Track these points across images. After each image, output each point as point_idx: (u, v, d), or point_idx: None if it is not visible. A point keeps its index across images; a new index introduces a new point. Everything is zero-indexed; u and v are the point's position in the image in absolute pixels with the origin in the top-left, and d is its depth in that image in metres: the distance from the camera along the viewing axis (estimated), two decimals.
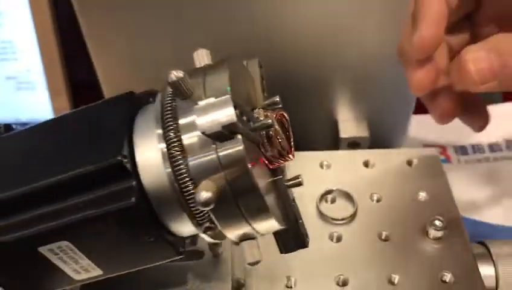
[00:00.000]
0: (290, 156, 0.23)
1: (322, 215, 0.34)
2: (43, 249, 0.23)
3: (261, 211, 0.21)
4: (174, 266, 0.30)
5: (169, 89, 0.22)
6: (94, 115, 0.25)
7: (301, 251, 0.25)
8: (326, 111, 0.44)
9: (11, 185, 0.23)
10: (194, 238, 0.29)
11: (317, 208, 0.35)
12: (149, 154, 0.22)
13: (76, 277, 0.25)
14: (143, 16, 0.36)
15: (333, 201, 0.36)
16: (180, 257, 0.24)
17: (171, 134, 0.21)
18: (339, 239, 0.33)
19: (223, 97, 0.19)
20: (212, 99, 0.19)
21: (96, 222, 0.22)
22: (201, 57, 0.25)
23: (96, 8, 0.36)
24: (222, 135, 0.19)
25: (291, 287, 0.31)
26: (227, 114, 0.19)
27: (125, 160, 0.21)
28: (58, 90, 0.53)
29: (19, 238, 0.23)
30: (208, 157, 0.20)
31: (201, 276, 0.30)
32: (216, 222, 0.22)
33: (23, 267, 0.25)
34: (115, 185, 0.22)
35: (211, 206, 0.19)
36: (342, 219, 0.34)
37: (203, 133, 0.19)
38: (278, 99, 0.25)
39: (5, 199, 0.23)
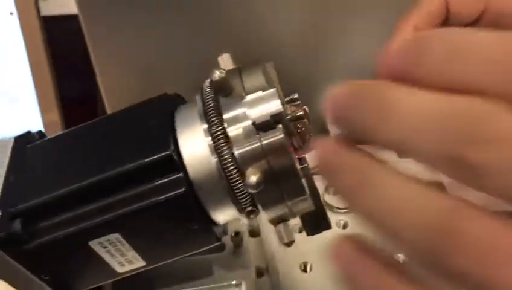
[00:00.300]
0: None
1: (327, 204, 0.37)
2: (93, 243, 0.25)
3: (299, 193, 0.24)
4: (199, 259, 0.32)
5: (208, 89, 0.25)
6: (138, 115, 0.27)
7: (312, 239, 0.28)
8: (315, 113, 0.47)
9: (64, 183, 0.25)
10: (224, 228, 0.31)
11: (323, 198, 0.37)
12: (195, 148, 0.24)
13: (120, 270, 0.27)
14: (149, 20, 0.38)
15: (336, 192, 0.38)
16: (219, 243, 0.27)
17: (216, 128, 0.23)
18: (345, 226, 0.36)
19: (270, 91, 0.22)
20: (260, 93, 0.22)
21: (147, 212, 0.24)
22: (226, 61, 0.27)
23: (101, 13, 0.37)
24: (268, 124, 0.22)
25: (307, 271, 0.33)
26: (275, 105, 0.21)
27: (173, 153, 0.24)
28: (49, 106, 0.54)
29: (71, 233, 0.25)
30: (253, 146, 0.23)
31: (225, 266, 0.32)
32: (259, 205, 0.24)
33: (71, 263, 0.26)
34: (164, 178, 0.24)
35: (260, 188, 0.22)
36: (345, 208, 0.37)
37: (253, 123, 0.22)
38: (296, 96, 0.28)
39: (59, 197, 0.24)
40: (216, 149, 0.24)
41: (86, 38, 0.40)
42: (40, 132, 0.29)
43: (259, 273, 0.33)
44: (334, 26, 0.41)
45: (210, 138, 0.24)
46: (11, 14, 0.50)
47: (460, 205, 0.12)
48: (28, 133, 0.29)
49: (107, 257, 0.26)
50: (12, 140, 0.29)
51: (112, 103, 0.43)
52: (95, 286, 0.28)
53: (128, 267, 0.27)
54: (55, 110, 0.54)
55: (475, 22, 0.28)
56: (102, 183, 0.24)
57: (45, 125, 0.55)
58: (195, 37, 0.40)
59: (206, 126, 0.24)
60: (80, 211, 0.25)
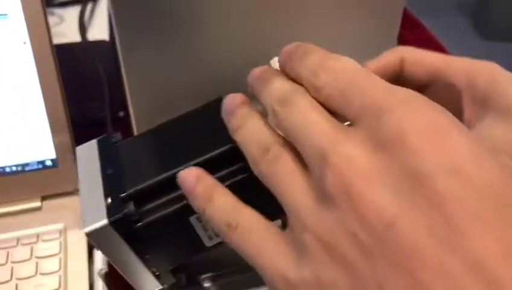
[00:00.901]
0: None
1: None
2: (192, 218, 0.29)
3: None
4: None
5: None
6: (204, 115, 0.31)
7: None
8: None
9: (164, 169, 0.28)
10: None
11: None
12: None
13: (208, 243, 0.31)
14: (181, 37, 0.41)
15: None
16: None
17: None
18: None
19: None
20: None
21: (243, 183, 0.28)
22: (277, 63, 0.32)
23: (135, 28, 0.40)
24: None
25: None
26: None
27: None
28: (60, 130, 0.56)
29: (175, 211, 0.28)
30: None
31: None
32: None
33: (171, 240, 0.30)
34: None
35: None
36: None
37: None
38: None
39: (163, 180, 0.28)
40: None
41: (119, 55, 0.42)
42: (117, 134, 0.33)
43: None
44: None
45: None
46: (24, 43, 0.52)
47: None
48: (108, 136, 0.32)
49: (200, 232, 0.30)
50: (95, 142, 0.32)
51: (140, 121, 0.45)
52: (183, 262, 0.32)
53: (215, 241, 0.31)
54: (67, 134, 0.57)
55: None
56: (199, 165, 0.28)
57: (56, 148, 0.57)
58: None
59: None
60: (182, 191, 0.29)
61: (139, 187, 0.28)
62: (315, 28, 0.43)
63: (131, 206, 0.28)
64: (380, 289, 0.17)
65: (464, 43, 2.38)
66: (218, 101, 0.32)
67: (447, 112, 0.18)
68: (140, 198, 0.28)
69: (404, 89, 0.20)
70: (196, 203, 0.26)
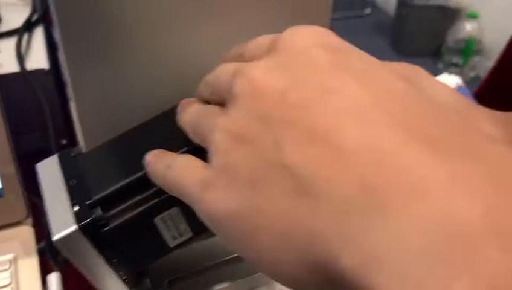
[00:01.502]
0: None
1: None
2: (157, 219, 0.31)
3: None
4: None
5: None
6: (164, 121, 0.34)
7: None
8: None
9: (128, 174, 0.30)
10: None
11: None
12: None
13: (172, 243, 0.33)
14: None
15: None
16: None
17: None
18: None
19: None
20: None
21: None
22: None
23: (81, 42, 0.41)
24: None
25: None
26: None
27: None
28: (4, 158, 0.56)
29: (141, 212, 0.30)
30: None
31: None
32: None
33: (137, 242, 0.32)
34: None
35: None
36: None
37: None
38: None
39: (127, 184, 0.30)
40: None
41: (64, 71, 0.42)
42: (75, 148, 0.34)
43: None
44: None
45: None
46: None
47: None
48: (68, 149, 0.34)
49: (165, 232, 0.32)
50: (56, 157, 0.34)
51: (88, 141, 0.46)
52: (149, 264, 0.33)
53: (178, 241, 0.33)
54: (11, 164, 0.56)
55: None
56: None
57: (1, 179, 0.57)
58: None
59: None
60: (146, 193, 0.30)
61: (104, 193, 0.30)
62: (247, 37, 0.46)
63: (98, 211, 0.29)
64: (276, 143, 0.19)
65: (382, 59, 2.53)
66: (174, 108, 0.34)
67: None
68: (107, 203, 0.30)
69: None
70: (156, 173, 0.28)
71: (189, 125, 0.28)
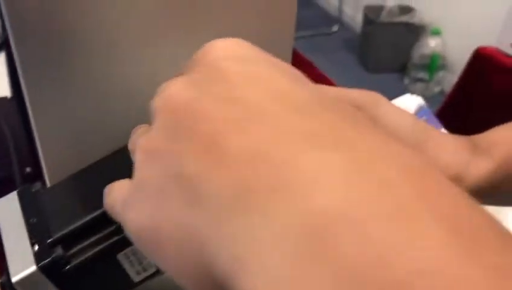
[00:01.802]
0: None
1: None
2: (120, 255, 0.31)
3: None
4: None
5: None
6: (120, 158, 0.34)
7: None
8: None
9: (88, 211, 0.30)
10: None
11: None
12: None
13: (136, 279, 0.32)
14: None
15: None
16: None
17: None
18: None
19: None
20: None
21: None
22: None
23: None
24: None
25: None
26: None
27: None
28: None
29: (103, 249, 0.30)
30: None
31: None
32: None
33: (100, 279, 0.31)
34: None
35: None
36: None
37: None
38: None
39: (88, 222, 0.30)
40: None
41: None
42: (36, 184, 0.34)
43: None
44: None
45: None
46: None
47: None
48: (28, 186, 0.33)
49: (128, 268, 0.32)
50: (15, 194, 0.33)
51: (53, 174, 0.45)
52: None
53: (143, 275, 0.33)
54: None
55: None
56: None
57: None
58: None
59: None
60: (108, 230, 0.30)
61: (65, 231, 0.30)
62: None
63: (59, 250, 0.29)
64: (178, 155, 0.20)
65: (350, 76, 2.59)
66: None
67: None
68: (67, 242, 0.30)
69: None
70: None
71: (129, 147, 0.28)
